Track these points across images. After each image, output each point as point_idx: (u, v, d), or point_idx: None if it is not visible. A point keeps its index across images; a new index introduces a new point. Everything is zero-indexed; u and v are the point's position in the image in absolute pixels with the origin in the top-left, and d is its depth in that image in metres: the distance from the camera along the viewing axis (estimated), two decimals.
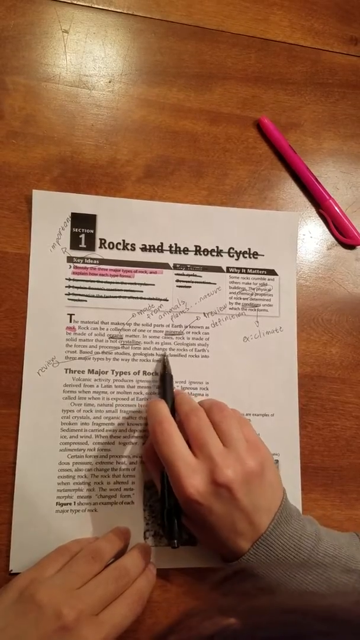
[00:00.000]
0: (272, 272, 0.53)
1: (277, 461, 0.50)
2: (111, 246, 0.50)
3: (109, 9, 0.54)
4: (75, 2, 0.54)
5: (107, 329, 0.49)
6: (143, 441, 0.48)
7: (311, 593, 0.41)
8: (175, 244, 0.52)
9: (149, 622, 0.46)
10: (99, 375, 0.48)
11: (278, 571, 0.41)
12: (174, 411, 0.45)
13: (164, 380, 0.48)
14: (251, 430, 0.45)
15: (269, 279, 0.53)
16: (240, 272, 0.53)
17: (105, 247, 0.50)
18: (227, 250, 0.53)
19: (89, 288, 0.49)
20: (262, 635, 0.23)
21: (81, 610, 0.37)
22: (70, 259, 0.50)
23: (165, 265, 0.51)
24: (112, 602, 0.39)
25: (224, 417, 0.44)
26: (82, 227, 0.50)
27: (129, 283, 0.50)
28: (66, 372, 0.48)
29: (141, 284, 0.50)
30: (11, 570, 0.44)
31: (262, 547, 0.41)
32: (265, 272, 0.53)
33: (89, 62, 0.53)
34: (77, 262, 0.50)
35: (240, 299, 0.52)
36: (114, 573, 0.41)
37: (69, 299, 0.49)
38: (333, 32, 0.60)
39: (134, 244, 0.51)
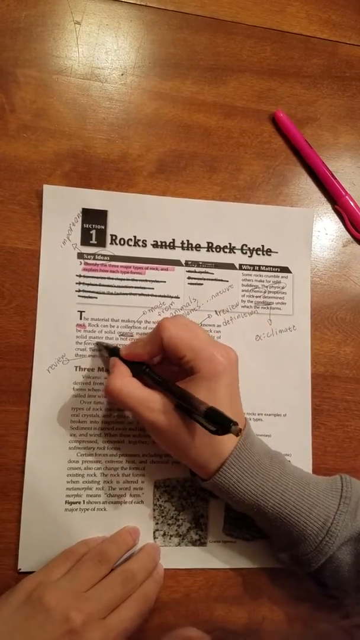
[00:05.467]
0: (286, 270, 0.52)
1: (288, 462, 0.49)
2: (122, 242, 0.50)
3: (122, 0, 0.53)
4: None
5: (118, 327, 0.49)
6: (153, 440, 0.48)
7: None
8: (187, 241, 0.51)
9: (157, 622, 0.45)
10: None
11: (259, 480, 0.41)
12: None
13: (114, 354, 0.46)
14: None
15: (282, 277, 0.52)
16: (254, 270, 0.52)
17: (116, 244, 0.50)
18: (240, 247, 0.52)
19: (100, 285, 0.49)
20: None
21: (89, 614, 0.36)
22: (80, 255, 0.49)
23: (176, 262, 0.50)
24: (120, 605, 0.39)
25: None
26: (93, 222, 0.49)
27: (140, 280, 0.50)
28: (76, 369, 0.47)
29: (152, 281, 0.50)
30: (20, 569, 0.44)
31: (242, 452, 0.41)
32: (279, 270, 0.52)
33: (102, 55, 0.52)
34: (88, 259, 0.49)
35: (253, 296, 0.51)
36: (121, 576, 0.41)
37: (79, 296, 0.48)
38: (351, 24, 0.58)
39: (146, 240, 0.50)
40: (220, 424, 0.37)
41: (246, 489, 0.41)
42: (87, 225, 0.49)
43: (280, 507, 0.41)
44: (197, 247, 0.51)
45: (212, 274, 0.51)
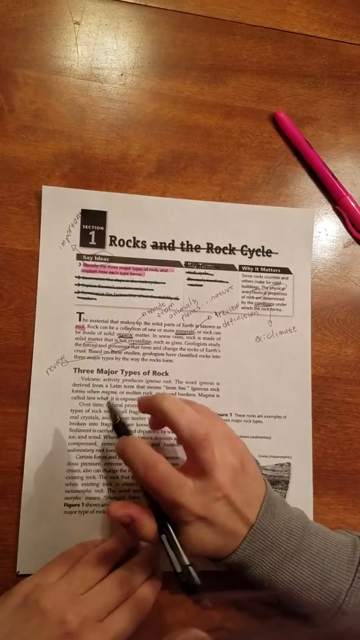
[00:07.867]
0: (286, 271, 0.52)
1: (289, 464, 0.49)
2: (121, 243, 0.50)
3: None
4: None
5: (117, 328, 0.48)
6: (152, 442, 0.47)
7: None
8: (187, 242, 0.51)
9: (156, 625, 0.45)
10: (108, 375, 0.48)
11: (272, 557, 0.40)
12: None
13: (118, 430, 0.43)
14: (224, 425, 0.43)
15: (282, 278, 0.52)
16: (254, 271, 0.51)
17: (116, 245, 0.50)
18: (240, 248, 0.51)
19: (99, 286, 0.49)
20: None
21: (85, 617, 0.36)
22: (79, 257, 0.49)
23: (176, 263, 0.50)
24: (117, 607, 0.39)
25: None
26: (92, 224, 0.49)
27: (139, 281, 0.49)
28: (75, 371, 0.47)
29: (152, 282, 0.50)
30: (18, 572, 0.44)
31: (257, 535, 0.39)
32: (279, 271, 0.52)
33: (101, 55, 0.52)
34: (87, 260, 0.49)
35: (253, 298, 0.51)
36: (119, 579, 0.40)
37: (78, 297, 0.48)
38: (352, 24, 0.58)
39: (145, 242, 0.50)
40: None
41: (259, 566, 0.40)
42: (86, 227, 0.49)
43: (291, 584, 0.39)
44: (197, 248, 0.51)
45: (212, 275, 0.51)
